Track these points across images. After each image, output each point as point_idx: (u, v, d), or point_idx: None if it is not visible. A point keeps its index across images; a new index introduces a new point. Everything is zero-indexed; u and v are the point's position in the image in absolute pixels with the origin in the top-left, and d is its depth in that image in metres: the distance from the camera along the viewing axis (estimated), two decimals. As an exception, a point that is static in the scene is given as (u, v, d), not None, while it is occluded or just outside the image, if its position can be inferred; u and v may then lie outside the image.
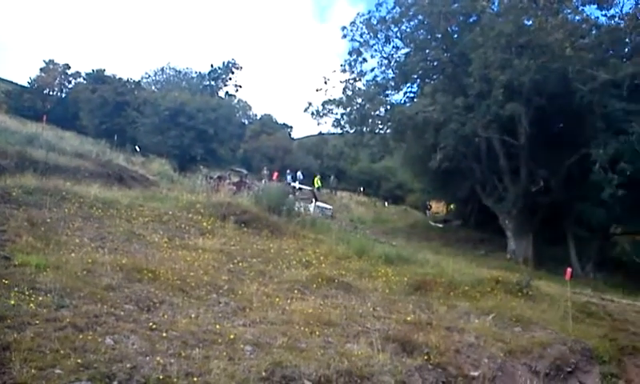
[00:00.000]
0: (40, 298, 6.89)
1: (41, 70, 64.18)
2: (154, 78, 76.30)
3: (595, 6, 27.66)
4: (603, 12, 27.69)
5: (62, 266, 8.39)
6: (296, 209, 29.38)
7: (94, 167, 22.02)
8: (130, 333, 6.61)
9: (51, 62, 64.75)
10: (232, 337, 7.26)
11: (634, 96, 24.60)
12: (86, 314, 6.75)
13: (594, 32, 26.45)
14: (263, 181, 37.11)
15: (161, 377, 5.60)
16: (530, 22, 25.22)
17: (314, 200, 35.06)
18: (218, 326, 7.60)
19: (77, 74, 64.96)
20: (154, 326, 7.02)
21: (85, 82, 59.75)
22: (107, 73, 58.02)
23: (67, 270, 8.22)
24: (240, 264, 11.83)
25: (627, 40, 27.00)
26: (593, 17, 27.43)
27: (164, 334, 6.81)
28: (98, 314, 6.91)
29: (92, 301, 7.34)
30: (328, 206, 37.27)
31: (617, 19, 27.07)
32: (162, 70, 76.35)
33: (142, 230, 12.91)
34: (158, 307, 8.05)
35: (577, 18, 26.65)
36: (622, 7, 27.11)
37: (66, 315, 6.54)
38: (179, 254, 11.48)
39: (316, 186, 46.20)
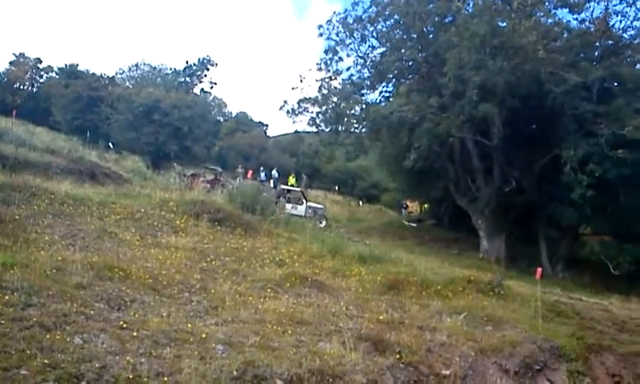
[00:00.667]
0: (6, 297, 6.75)
1: (10, 63, 63.02)
2: (128, 73, 75.49)
3: (567, 9, 28.24)
4: (574, 16, 28.30)
5: (30, 263, 8.24)
6: (286, 211, 29.63)
7: (66, 163, 21.68)
8: (99, 332, 6.53)
9: (22, 55, 63.65)
10: (204, 336, 7.23)
11: (603, 99, 25.22)
12: (54, 313, 6.65)
13: (565, 35, 26.96)
14: (238, 179, 36.93)
15: (130, 376, 5.55)
16: (504, 24, 25.52)
17: (304, 201, 35.09)
18: (189, 325, 7.55)
19: (49, 69, 64.00)
20: (125, 325, 6.95)
21: (57, 76, 58.87)
22: (81, 68, 57.32)
23: (36, 268, 8.07)
24: (213, 262, 11.76)
25: (597, 44, 27.59)
26: (564, 20, 28.08)
27: (134, 333, 6.75)
28: (66, 312, 6.81)
29: (61, 299, 7.23)
30: (319, 206, 37.31)
31: (587, 23, 27.69)
32: (137, 65, 75.60)
33: (113, 227, 12.75)
34: (128, 306, 7.97)
35: (549, 21, 27.13)
36: (592, 12, 27.73)
37: (33, 314, 6.42)
38: (151, 252, 11.37)
39: (290, 184, 46.06)
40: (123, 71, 75.41)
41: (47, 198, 13.26)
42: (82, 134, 40.63)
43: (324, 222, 34.06)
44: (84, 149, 30.66)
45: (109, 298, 7.98)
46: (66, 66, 58.14)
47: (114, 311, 7.56)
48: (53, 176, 17.04)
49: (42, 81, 64.14)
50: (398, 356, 8.16)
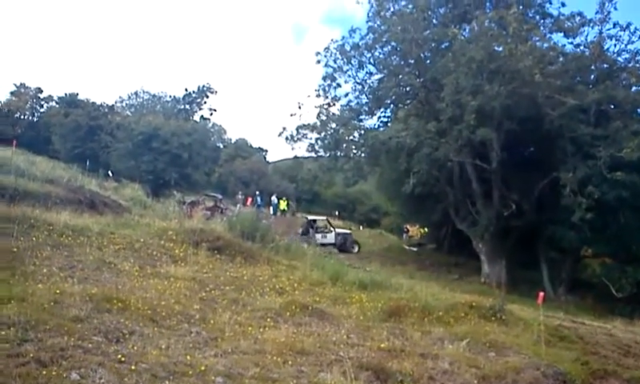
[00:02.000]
0: (2, 333, 6.66)
1: (11, 93, 63.43)
2: (128, 101, 75.93)
3: (562, 34, 28.63)
4: (569, 40, 28.72)
5: (27, 297, 8.14)
6: (318, 242, 30.10)
7: (65, 193, 21.63)
8: (97, 366, 6.43)
9: (22, 85, 64.09)
10: (203, 368, 7.12)
11: (600, 121, 25.41)
12: (51, 348, 6.55)
13: (561, 59, 27.24)
14: (238, 205, 36.94)
15: (128, 412, 5.46)
16: (501, 49, 25.77)
17: (332, 229, 35.38)
18: (188, 357, 7.45)
19: (49, 98, 64.37)
20: (123, 359, 6.84)
21: (57, 105, 59.20)
22: (81, 97, 57.62)
23: (33, 302, 7.97)
24: (212, 292, 11.65)
25: (592, 67, 27.91)
26: (560, 45, 28.39)
27: (133, 367, 6.64)
28: (64, 347, 6.71)
29: (58, 333, 7.13)
30: (348, 231, 37.50)
31: (582, 47, 28.02)
32: (136, 93, 76.11)
33: (112, 258, 12.67)
34: (127, 338, 7.86)
35: (545, 45, 27.46)
36: (587, 36, 28.12)
37: (29, 350, 6.33)
38: (150, 282, 11.28)
39: (281, 208, 46.16)
40: (123, 99, 75.95)
41: (46, 229, 13.19)
42: (81, 162, 40.73)
43: (356, 248, 35.12)
44: (83, 178, 30.67)
45: (107, 330, 7.88)
46: (66, 95, 58.54)
47: (112, 344, 7.45)
48: (52, 206, 16.96)
49: (42, 110, 64.52)
50: (399, 385, 8.04)
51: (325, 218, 39.30)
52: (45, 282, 9.43)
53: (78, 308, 8.36)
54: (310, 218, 37.43)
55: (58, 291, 8.91)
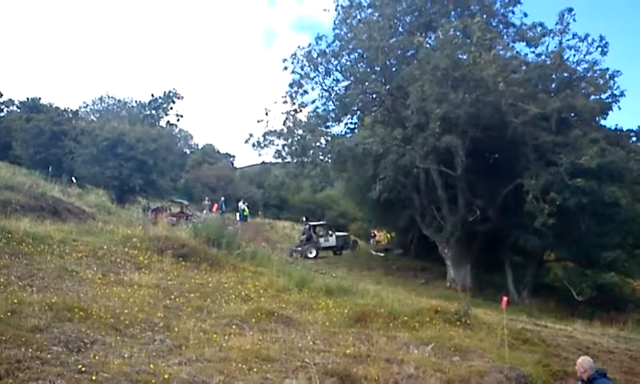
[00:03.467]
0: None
1: (-32, 97, 61.44)
2: (92, 107, 74.33)
3: (524, 43, 29.33)
4: (532, 49, 29.42)
5: (-18, 308, 7.93)
6: (321, 245, 34.17)
7: (27, 200, 21.02)
8: (56, 377, 6.30)
9: (-20, 89, 62.15)
10: (166, 376, 7.05)
11: (561, 129, 26.05)
12: (6, 360, 6.38)
13: (523, 68, 27.84)
14: (204, 211, 36.60)
15: (87, 425, 5.34)
16: (465, 57, 26.20)
17: (333, 232, 37.32)
18: (152, 366, 7.35)
19: (10, 102, 62.51)
20: (84, 369, 6.71)
21: (19, 110, 57.59)
22: (43, 101, 56.15)
23: (-12, 313, 7.77)
24: (177, 299, 11.52)
25: (553, 76, 28.57)
26: (522, 54, 29.01)
27: (94, 377, 6.53)
28: (20, 358, 6.54)
29: (15, 344, 6.94)
30: (345, 233, 39.45)
31: (543, 57, 28.68)
32: (101, 99, 74.60)
33: (75, 266, 12.42)
34: (88, 348, 7.71)
35: (508, 54, 28.03)
36: (548, 46, 28.83)
37: (-17, 363, 6.16)
38: (113, 290, 11.10)
39: (245, 213, 46.16)
40: (87, 104, 74.37)
41: (4, 237, 12.83)
42: (44, 168, 39.69)
43: (357, 247, 38.17)
44: (46, 184, 29.87)
45: (67, 340, 7.72)
46: (27, 99, 56.95)
47: (72, 354, 7.30)
48: (11, 213, 16.53)
49: (2, 115, 62.69)
50: (365, 391, 8.08)
51: (324, 222, 41.37)
52: (2, 291, 9.18)
53: (37, 318, 8.16)
54: (312, 223, 38.73)
55: (15, 301, 8.70)
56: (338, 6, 32.15)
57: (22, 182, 26.82)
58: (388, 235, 49.95)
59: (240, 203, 47.88)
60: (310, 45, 32.98)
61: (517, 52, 28.97)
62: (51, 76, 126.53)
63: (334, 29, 32.77)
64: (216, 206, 44.19)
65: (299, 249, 33.51)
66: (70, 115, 55.94)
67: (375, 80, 31.09)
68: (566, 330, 16.55)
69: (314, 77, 32.68)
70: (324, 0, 73.94)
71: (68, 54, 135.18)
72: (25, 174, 34.96)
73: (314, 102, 33.78)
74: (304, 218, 57.91)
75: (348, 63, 31.99)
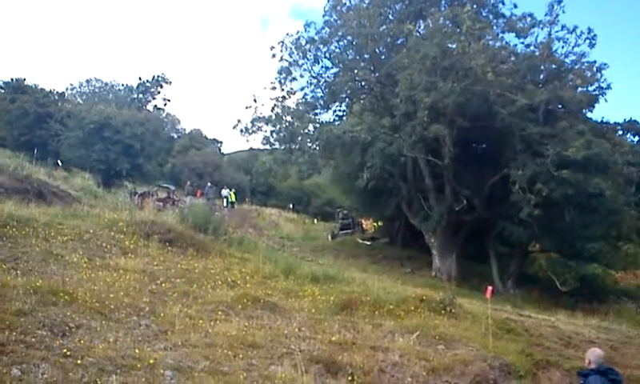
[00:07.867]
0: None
1: (-51, 77, 60.34)
2: (79, 89, 73.70)
3: (514, 34, 29.34)
4: (521, 40, 29.43)
5: (-36, 290, 7.84)
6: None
7: (11, 182, 20.80)
8: (40, 361, 6.26)
9: (-36, 69, 61.16)
10: (152, 361, 7.03)
11: (548, 120, 26.18)
12: (-11, 343, 6.32)
13: (512, 59, 27.87)
14: (188, 197, 36.40)
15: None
16: (454, 46, 26.15)
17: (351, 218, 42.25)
18: (137, 351, 7.33)
19: (-7, 83, 61.57)
20: (69, 353, 6.68)
21: (3, 90, 56.69)
22: (28, 82, 55.32)
23: (-29, 296, 7.68)
24: (163, 285, 11.48)
25: (542, 68, 28.66)
26: (511, 44, 29.04)
27: (79, 361, 6.49)
28: (4, 342, 6.49)
29: (-2, 328, 6.88)
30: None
31: (532, 48, 28.76)
32: (88, 81, 73.93)
33: (60, 249, 12.31)
34: (73, 332, 7.67)
35: (497, 44, 28.06)
36: (537, 37, 28.85)
37: (-34, 346, 6.09)
38: (99, 274, 11.03)
39: (231, 199, 46.20)
40: (74, 87, 73.68)
41: (-13, 221, 12.70)
42: (29, 150, 39.19)
43: (361, 228, 43.95)
44: (31, 166, 29.53)
45: (52, 324, 7.66)
46: (12, 79, 56.04)
47: (57, 338, 7.26)
48: (-5, 196, 16.36)
49: (-15, 95, 61.73)
50: (350, 377, 8.12)
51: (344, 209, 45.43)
52: (-16, 274, 9.08)
53: (21, 301, 8.09)
54: (345, 211, 44.44)
55: (-1, 284, 8.61)
56: (328, -8, 31.97)
57: (6, 164, 26.51)
58: (375, 224, 50.13)
59: (223, 190, 47.68)
60: (298, 32, 32.82)
61: (506, 42, 29.06)
62: (37, 57, 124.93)
63: (323, 15, 32.62)
64: (200, 191, 44.01)
65: (342, 232, 41.18)
66: (57, 97, 55.17)
67: (364, 68, 30.98)
68: (549, 320, 16.72)
69: (303, 64, 32.50)
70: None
71: (54, 36, 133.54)
72: (9, 156, 34.51)
73: (302, 89, 33.66)
74: (291, 206, 58.11)
75: (337, 50, 31.82)
